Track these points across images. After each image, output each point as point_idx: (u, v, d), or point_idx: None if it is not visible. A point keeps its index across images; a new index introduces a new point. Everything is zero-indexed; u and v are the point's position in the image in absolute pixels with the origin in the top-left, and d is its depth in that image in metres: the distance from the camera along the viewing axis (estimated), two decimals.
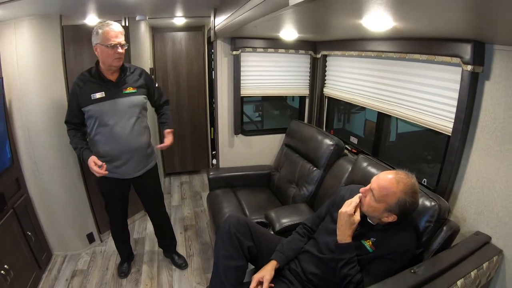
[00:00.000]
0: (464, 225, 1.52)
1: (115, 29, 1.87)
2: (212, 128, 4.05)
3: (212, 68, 3.83)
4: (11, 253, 2.11)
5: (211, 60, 3.81)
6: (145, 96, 2.07)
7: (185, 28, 3.72)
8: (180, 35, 3.74)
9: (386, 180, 1.33)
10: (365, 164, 1.89)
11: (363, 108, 4.43)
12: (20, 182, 2.40)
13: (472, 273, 1.25)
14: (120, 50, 1.88)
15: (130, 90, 2.00)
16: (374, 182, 1.37)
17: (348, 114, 4.50)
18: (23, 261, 2.24)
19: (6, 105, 2.27)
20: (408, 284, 1.18)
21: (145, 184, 2.23)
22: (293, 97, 5.66)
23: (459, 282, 1.21)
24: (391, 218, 1.34)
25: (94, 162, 1.92)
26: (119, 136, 1.98)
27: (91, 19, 2.64)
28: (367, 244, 1.41)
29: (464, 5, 0.85)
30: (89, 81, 1.96)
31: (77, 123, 2.01)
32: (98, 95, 1.94)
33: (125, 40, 1.93)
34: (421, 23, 1.26)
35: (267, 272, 1.54)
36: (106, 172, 1.93)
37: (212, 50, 3.68)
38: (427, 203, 1.44)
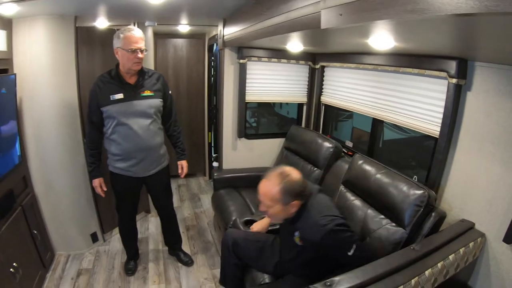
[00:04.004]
0: (450, 215, 1.78)
1: (136, 34, 2.03)
2: (210, 133, 4.26)
3: (211, 75, 4.06)
4: (19, 251, 2.17)
5: (211, 67, 4.05)
6: (161, 100, 2.23)
7: (187, 35, 3.93)
8: (182, 41, 3.96)
9: (261, 186, 1.59)
10: (360, 162, 2.11)
11: (350, 116, 4.82)
12: (27, 180, 2.47)
13: (461, 250, 1.53)
14: (139, 55, 2.04)
15: (147, 93, 2.16)
16: (258, 195, 1.61)
17: (336, 122, 4.85)
18: (29, 260, 2.30)
19: (17, 102, 2.34)
20: (410, 258, 1.44)
21: (157, 183, 2.39)
22: (280, 104, 6.01)
23: (450, 257, 1.49)
24: (294, 207, 1.57)
25: (100, 184, 2.31)
26: (136, 135, 2.13)
27: (102, 22, 2.74)
28: (297, 240, 1.63)
29: (453, 34, 1.15)
30: (108, 83, 2.11)
31: (96, 122, 2.17)
32: (117, 96, 2.09)
33: None
34: (416, 44, 1.56)
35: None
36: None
37: (212, 58, 3.94)
38: (417, 191, 1.67)
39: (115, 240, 2.95)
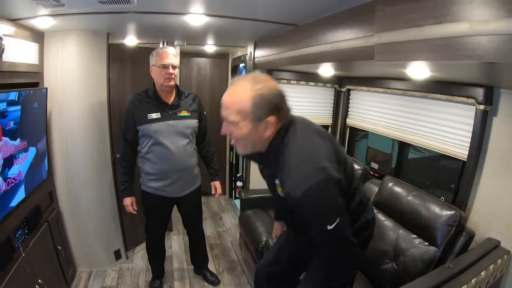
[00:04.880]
0: (477, 233, 1.96)
1: (169, 51, 2.24)
2: (231, 152, 4.49)
3: None
4: (44, 267, 2.28)
5: None
6: (197, 120, 2.40)
7: (211, 55, 4.22)
8: (205, 61, 4.26)
9: (226, 96, 1.27)
10: (391, 184, 2.35)
11: (365, 136, 5.06)
12: (53, 195, 2.61)
13: (491, 267, 1.73)
14: (171, 70, 2.21)
15: (184, 113, 2.34)
16: (221, 110, 1.29)
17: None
18: (53, 276, 2.41)
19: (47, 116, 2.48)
20: (447, 275, 1.64)
21: (189, 203, 2.54)
22: None
23: (482, 273, 1.69)
24: (269, 128, 1.25)
25: (131, 203, 2.42)
26: (173, 156, 2.28)
27: (131, 40, 3.01)
28: (279, 190, 1.32)
29: (485, 70, 1.41)
30: (145, 101, 2.27)
31: (131, 140, 2.33)
32: (154, 115, 2.25)
33: None
34: (448, 74, 1.82)
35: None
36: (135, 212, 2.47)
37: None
38: (449, 211, 1.90)
39: (138, 258, 3.12)
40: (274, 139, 1.28)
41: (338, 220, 1.21)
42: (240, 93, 1.21)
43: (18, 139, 2.06)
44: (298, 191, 1.16)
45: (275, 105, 1.24)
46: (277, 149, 1.27)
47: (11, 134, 1.97)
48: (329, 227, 1.20)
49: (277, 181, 1.30)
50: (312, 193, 1.17)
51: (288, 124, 1.30)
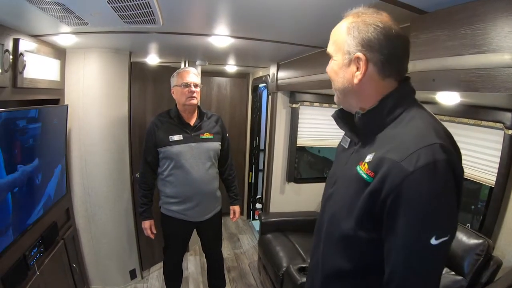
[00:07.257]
0: (504, 261, 1.93)
1: (190, 70, 2.30)
2: (250, 173, 4.54)
3: (254, 116, 4.42)
4: (58, 286, 2.30)
5: (254, 106, 4.42)
6: (220, 143, 2.41)
7: (231, 75, 4.33)
8: (226, 80, 4.37)
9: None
10: None
11: None
12: (70, 212, 2.65)
13: None
14: (193, 88, 2.24)
15: (207, 136, 2.35)
16: None
17: None
18: None
19: (66, 133, 2.51)
20: None
21: (210, 227, 2.54)
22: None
23: None
24: (357, 66, 0.94)
25: (150, 227, 2.42)
26: (194, 179, 2.28)
27: (153, 59, 3.11)
28: (362, 168, 0.93)
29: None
30: (167, 123, 2.30)
31: (151, 161, 2.34)
32: (176, 137, 2.27)
33: None
34: (479, 99, 1.87)
35: None
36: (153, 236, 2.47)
37: (256, 98, 4.31)
38: (476, 240, 1.90)
39: (153, 278, 3.16)
40: (386, 98, 0.96)
41: (448, 236, 0.81)
42: (342, 22, 1.00)
43: (37, 158, 2.07)
44: (412, 161, 0.81)
45: (372, 40, 0.92)
46: (388, 114, 0.95)
47: (31, 152, 2.00)
48: (434, 242, 0.79)
49: (368, 157, 0.93)
50: (429, 173, 0.80)
51: (409, 91, 1.01)
